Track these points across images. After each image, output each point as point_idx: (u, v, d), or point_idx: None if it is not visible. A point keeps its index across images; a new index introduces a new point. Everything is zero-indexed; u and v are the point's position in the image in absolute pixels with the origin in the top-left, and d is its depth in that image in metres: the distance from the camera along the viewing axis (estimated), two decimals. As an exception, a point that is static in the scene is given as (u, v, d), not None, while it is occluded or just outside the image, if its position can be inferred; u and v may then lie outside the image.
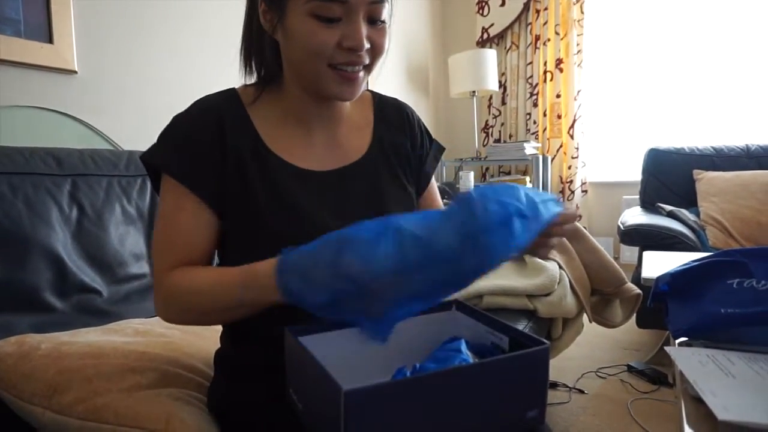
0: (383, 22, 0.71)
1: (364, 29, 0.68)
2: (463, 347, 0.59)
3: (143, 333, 1.01)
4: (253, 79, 0.81)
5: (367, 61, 0.71)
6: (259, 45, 0.78)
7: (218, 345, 0.85)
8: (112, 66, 1.60)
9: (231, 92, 0.78)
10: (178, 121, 0.74)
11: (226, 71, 1.94)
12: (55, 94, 1.45)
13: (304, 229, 0.71)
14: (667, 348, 0.64)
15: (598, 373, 2.05)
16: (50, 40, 1.41)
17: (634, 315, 1.78)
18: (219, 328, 0.84)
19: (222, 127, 0.73)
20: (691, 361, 0.59)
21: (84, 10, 1.50)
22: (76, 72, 1.49)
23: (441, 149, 0.95)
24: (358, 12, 0.67)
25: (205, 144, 0.72)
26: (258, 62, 0.80)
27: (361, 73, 0.72)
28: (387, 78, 3.08)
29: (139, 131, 1.64)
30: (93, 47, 1.54)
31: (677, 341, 0.70)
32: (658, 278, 0.75)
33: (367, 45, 0.69)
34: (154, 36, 1.73)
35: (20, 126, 1.36)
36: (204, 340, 1.02)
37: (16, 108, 1.35)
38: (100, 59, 1.56)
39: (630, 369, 2.05)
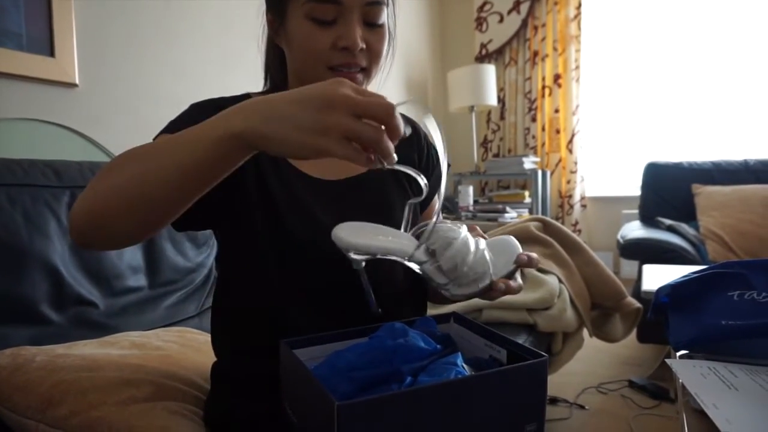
0: (380, 25, 0.72)
1: (359, 30, 0.69)
2: (459, 360, 0.58)
3: (139, 346, 1.00)
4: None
5: (364, 63, 0.72)
6: (269, 55, 0.81)
7: (215, 358, 0.84)
8: (113, 79, 1.61)
9: (244, 97, 0.80)
10: (192, 106, 0.75)
11: (226, 85, 1.96)
12: (55, 106, 1.45)
13: (317, 234, 0.72)
14: (668, 360, 0.64)
15: (599, 389, 2.03)
16: (52, 54, 1.42)
17: (635, 329, 1.77)
18: (213, 341, 0.83)
19: None
20: (692, 373, 0.58)
21: (86, 24, 1.52)
22: (77, 85, 1.49)
23: (447, 165, 0.96)
24: (352, 12, 0.68)
25: None
26: (268, 72, 0.83)
27: (360, 75, 0.72)
28: (387, 92, 3.09)
29: (138, 144, 1.65)
30: (94, 61, 1.55)
31: (678, 354, 0.70)
32: (659, 290, 0.75)
33: (362, 45, 0.70)
34: (154, 50, 1.74)
35: (20, 138, 1.36)
36: (201, 354, 1.01)
37: (16, 120, 1.36)
38: (101, 72, 1.57)
39: (631, 384, 2.04)
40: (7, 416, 0.79)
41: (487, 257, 0.63)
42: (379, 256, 0.60)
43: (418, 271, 0.63)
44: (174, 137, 0.53)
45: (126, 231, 0.56)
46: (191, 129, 0.52)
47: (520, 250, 0.67)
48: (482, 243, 0.64)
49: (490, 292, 0.65)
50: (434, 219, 0.60)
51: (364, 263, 0.59)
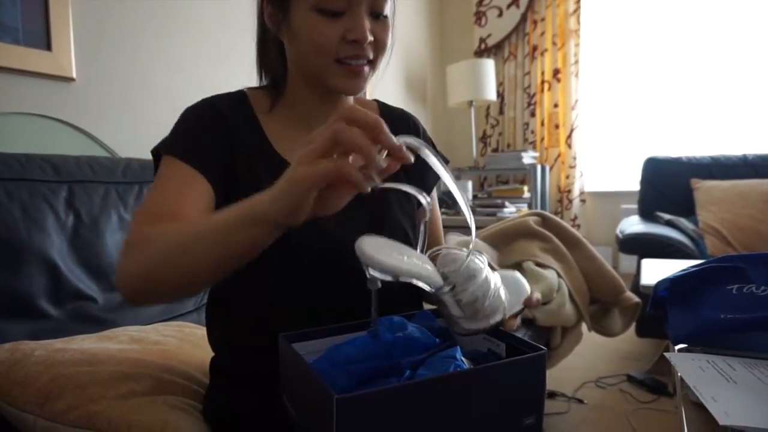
0: (386, 16, 0.72)
1: (367, 22, 0.69)
2: (458, 354, 0.58)
3: (138, 340, 1.00)
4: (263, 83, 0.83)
5: (370, 55, 0.72)
6: (266, 50, 0.80)
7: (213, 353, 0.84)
8: (110, 74, 1.60)
9: (240, 94, 0.80)
10: (187, 112, 0.76)
11: (223, 79, 1.95)
12: (52, 101, 1.45)
13: (314, 237, 0.71)
14: (667, 354, 0.63)
15: (597, 383, 2.04)
16: (48, 48, 1.42)
17: (634, 324, 1.78)
18: (215, 336, 0.83)
19: (228, 125, 0.74)
20: (691, 366, 0.58)
21: (82, 18, 1.51)
22: (74, 79, 1.49)
23: (445, 161, 0.96)
24: (360, 5, 0.68)
25: (210, 135, 0.73)
26: (266, 67, 0.81)
27: (366, 68, 0.72)
28: (386, 87, 3.09)
29: (136, 139, 1.64)
30: (91, 55, 1.54)
31: (677, 348, 0.70)
32: (658, 284, 0.74)
33: (370, 38, 0.69)
34: (152, 44, 1.73)
35: (17, 133, 1.36)
36: (199, 348, 1.01)
37: (13, 115, 1.35)
38: (99, 67, 1.57)
39: (630, 379, 2.04)
40: (6, 410, 0.79)
41: (503, 295, 0.62)
42: (401, 279, 0.56)
43: (428, 290, 0.60)
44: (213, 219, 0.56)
45: (175, 294, 0.63)
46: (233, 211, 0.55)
47: (529, 290, 0.68)
48: (498, 279, 0.63)
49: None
50: (471, 251, 0.59)
51: (380, 284, 0.56)
